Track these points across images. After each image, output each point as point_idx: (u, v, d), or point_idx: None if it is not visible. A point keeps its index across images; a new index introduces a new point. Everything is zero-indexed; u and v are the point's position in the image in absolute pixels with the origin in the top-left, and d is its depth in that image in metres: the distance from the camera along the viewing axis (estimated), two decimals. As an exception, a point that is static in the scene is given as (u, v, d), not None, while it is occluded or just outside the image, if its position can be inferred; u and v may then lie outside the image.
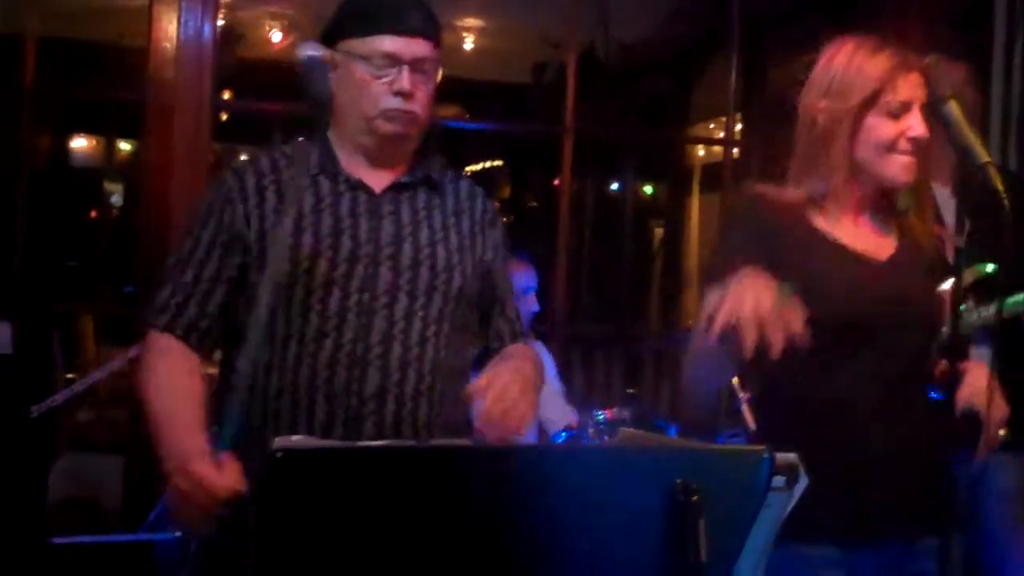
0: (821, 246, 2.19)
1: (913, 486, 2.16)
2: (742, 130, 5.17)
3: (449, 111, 8.47)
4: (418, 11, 2.10)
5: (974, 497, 3.11)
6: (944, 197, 3.01)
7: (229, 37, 6.78)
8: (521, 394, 1.90)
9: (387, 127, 2.08)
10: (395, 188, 2.14)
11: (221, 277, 2.10)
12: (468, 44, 7.47)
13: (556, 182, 5.90)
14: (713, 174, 6.38)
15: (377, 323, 2.04)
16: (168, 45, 4.06)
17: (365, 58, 2.06)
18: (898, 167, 2.16)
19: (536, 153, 8.43)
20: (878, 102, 2.14)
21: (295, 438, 1.75)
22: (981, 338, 3.10)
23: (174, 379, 2.05)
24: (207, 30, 4.06)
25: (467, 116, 8.44)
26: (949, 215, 2.92)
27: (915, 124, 2.14)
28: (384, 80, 2.06)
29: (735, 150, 4.84)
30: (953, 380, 2.11)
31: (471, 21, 7.19)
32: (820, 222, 2.21)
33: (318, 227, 2.06)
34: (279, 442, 1.51)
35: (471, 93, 8.30)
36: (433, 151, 2.22)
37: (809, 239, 2.19)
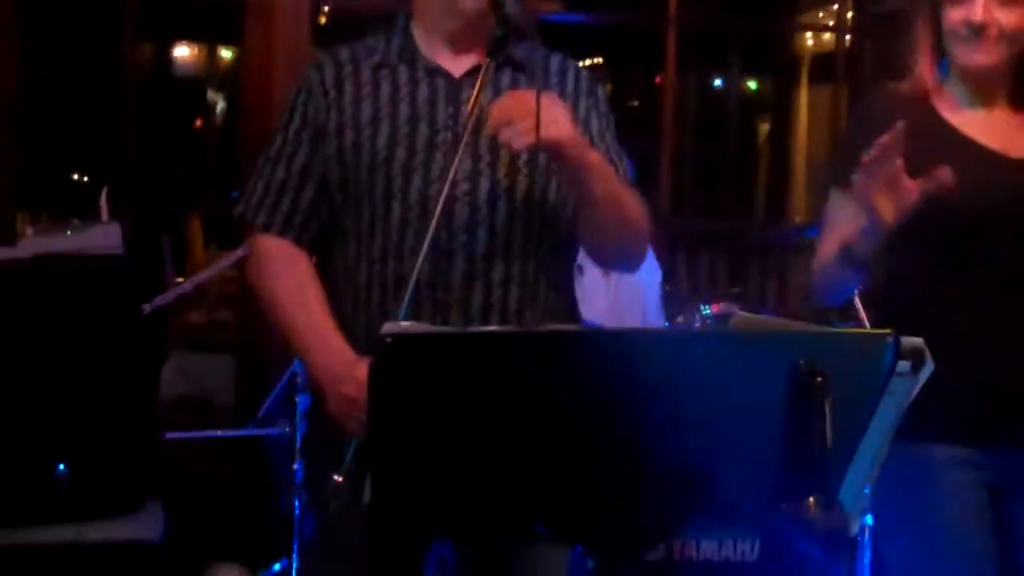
0: (949, 140, 2.14)
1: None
2: (854, 16, 4.98)
3: (549, 5, 8.34)
4: None
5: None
6: None
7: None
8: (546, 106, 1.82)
9: (468, 3, 2.00)
10: (476, 71, 2.04)
11: (311, 172, 2.08)
12: (567, -63, 7.31)
13: (658, 80, 5.77)
14: (823, 64, 6.18)
15: (459, 210, 1.99)
16: (267, -52, 4.03)
17: None
18: (962, 53, 2.12)
19: (636, 50, 8.26)
20: None
21: (404, 323, 1.74)
22: None
23: (299, 286, 2.06)
24: (306, -70, 4.01)
25: (566, 9, 8.31)
26: None
27: (975, 7, 2.07)
28: None
29: (847, 37, 4.66)
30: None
31: (570, -87, 7.03)
32: (949, 113, 2.15)
33: (395, 116, 2.03)
34: (388, 327, 1.50)
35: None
36: (519, 35, 2.12)
37: (937, 133, 2.14)
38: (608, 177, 1.98)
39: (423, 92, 2.05)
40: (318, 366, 2.01)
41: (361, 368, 1.84)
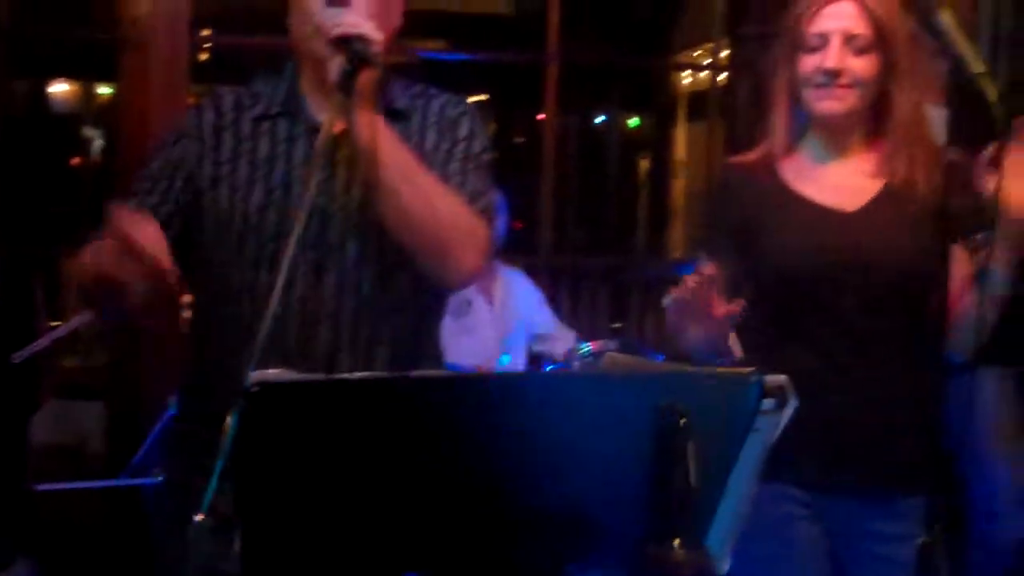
0: (785, 201, 2.20)
1: (888, 440, 2.15)
2: (729, 56, 5.10)
3: (431, 45, 8.38)
4: None
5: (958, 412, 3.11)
6: (938, 117, 2.97)
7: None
8: None
9: (322, 43, 1.86)
10: None
11: (158, 211, 1.97)
12: (449, -24, 7.37)
13: (540, 116, 5.83)
14: (700, 103, 6.31)
15: (328, 277, 1.95)
16: (143, -18, 3.97)
17: None
18: (816, 100, 2.16)
19: (520, 88, 8.35)
20: (804, 35, 2.15)
21: (272, 371, 1.71)
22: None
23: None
24: (183, -35, 3.97)
25: (450, 49, 8.36)
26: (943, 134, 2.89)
27: (829, 55, 2.12)
28: None
29: (722, 76, 4.77)
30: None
31: (452, -48, 7.09)
32: (792, 175, 2.20)
33: (270, 177, 1.97)
34: (256, 376, 1.47)
35: (455, 26, 8.21)
36: (402, 78, 2.08)
37: (776, 196, 2.20)
38: (406, 161, 1.90)
39: (300, 151, 1.99)
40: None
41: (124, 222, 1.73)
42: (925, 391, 2.13)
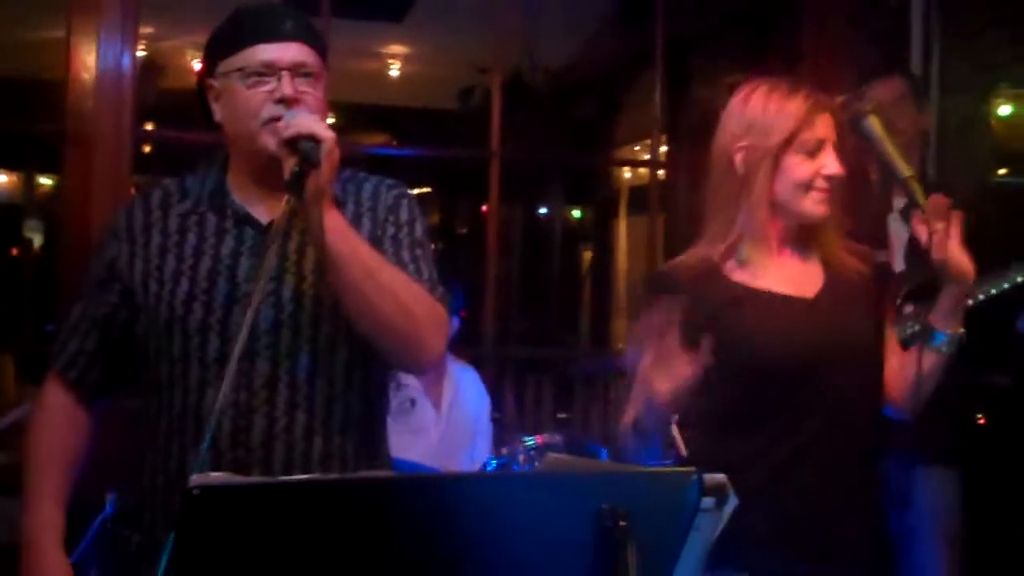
0: (744, 296, 2.23)
1: (840, 526, 2.17)
2: (668, 151, 5.20)
3: (376, 139, 8.46)
4: (292, 17, 1.98)
5: (902, 512, 3.15)
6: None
7: (150, 68, 6.71)
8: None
9: (272, 139, 1.90)
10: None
11: (97, 315, 2.07)
12: (394, 71, 7.47)
13: (484, 208, 5.89)
14: (640, 196, 6.42)
15: (259, 366, 1.95)
16: (87, 76, 3.98)
17: (240, 71, 1.94)
18: (813, 203, 2.21)
19: (464, 180, 8.44)
20: (796, 141, 2.19)
21: (213, 474, 1.70)
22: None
23: (47, 441, 2.10)
24: (127, 61, 3.98)
25: (394, 143, 8.44)
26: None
27: (830, 162, 2.19)
28: (264, 90, 1.93)
29: (661, 172, 4.86)
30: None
31: (396, 48, 7.19)
32: (738, 274, 2.24)
33: (196, 271, 1.99)
34: (196, 479, 1.47)
35: (398, 120, 8.30)
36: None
37: (732, 295, 2.22)
38: (367, 255, 1.91)
39: (228, 244, 2.00)
40: (24, 527, 2.06)
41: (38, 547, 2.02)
42: (873, 475, 2.18)
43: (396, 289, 1.91)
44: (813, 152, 2.19)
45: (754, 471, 2.11)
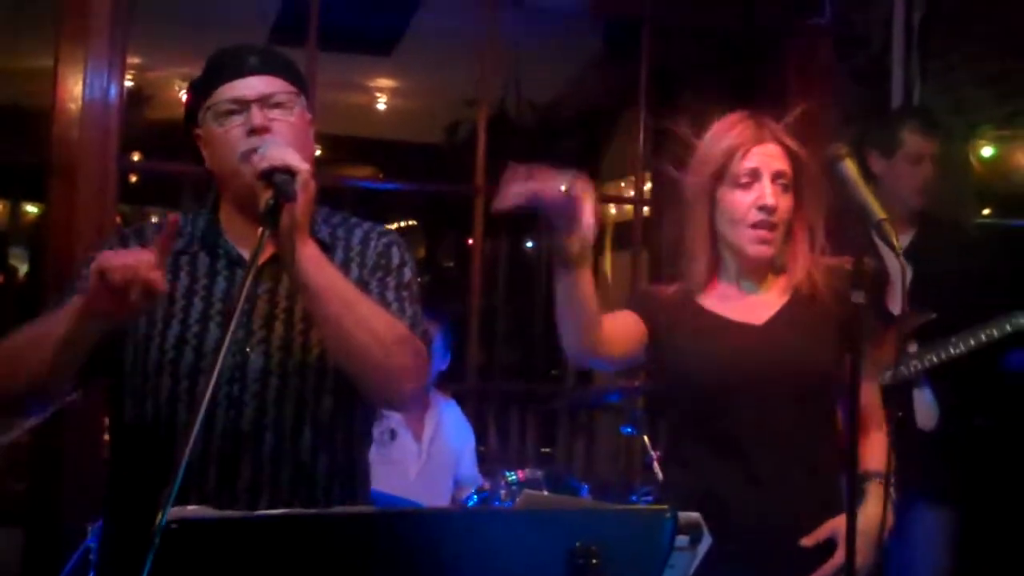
0: (702, 322, 2.25)
1: (796, 547, 2.17)
2: (652, 188, 5.23)
3: (362, 172, 8.48)
4: (256, 53, 2.01)
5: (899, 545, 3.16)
6: None
7: (137, 98, 6.73)
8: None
9: (249, 171, 1.89)
10: (276, 259, 1.97)
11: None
12: (381, 105, 7.50)
13: (470, 241, 5.90)
14: (624, 232, 6.44)
15: (247, 414, 1.94)
16: (73, 106, 3.98)
17: (212, 110, 1.97)
18: (751, 239, 2.21)
19: (450, 213, 8.45)
20: (728, 173, 2.19)
21: (191, 508, 1.70)
22: (924, 382, 3.21)
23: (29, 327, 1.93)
24: (113, 91, 3.99)
25: (381, 176, 8.47)
26: None
27: (764, 194, 2.17)
28: (237, 126, 1.95)
29: (645, 208, 4.88)
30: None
31: (384, 82, 7.23)
32: (705, 299, 2.26)
33: (187, 314, 1.98)
34: (174, 513, 1.47)
35: (384, 153, 8.32)
36: (324, 206, 2.08)
37: (694, 318, 2.26)
38: (344, 288, 1.91)
39: (220, 286, 2.00)
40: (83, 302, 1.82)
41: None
42: (829, 494, 2.17)
43: (374, 323, 1.90)
44: (746, 183, 2.17)
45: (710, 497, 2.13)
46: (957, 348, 3.14)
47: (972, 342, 3.13)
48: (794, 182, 2.22)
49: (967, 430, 3.40)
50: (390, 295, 2.03)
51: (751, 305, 2.27)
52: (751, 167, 2.18)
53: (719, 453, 2.20)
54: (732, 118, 2.24)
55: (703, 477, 2.20)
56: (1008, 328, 3.11)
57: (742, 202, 2.18)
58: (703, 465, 2.22)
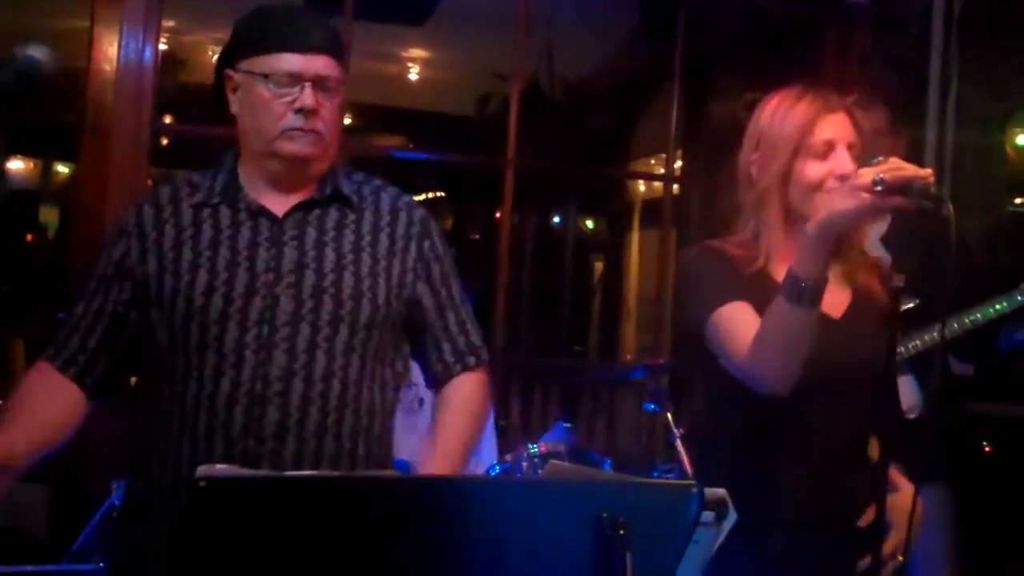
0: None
1: (837, 546, 2.17)
2: (682, 166, 5.21)
3: (392, 141, 8.49)
4: (319, 28, 2.02)
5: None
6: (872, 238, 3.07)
7: (171, 61, 6.75)
8: None
9: (289, 147, 1.99)
10: (302, 208, 2.05)
11: (103, 312, 2.07)
12: (413, 75, 7.50)
13: (498, 214, 5.90)
14: (654, 210, 6.42)
15: (276, 358, 1.96)
16: (108, 68, 4.00)
17: (265, 76, 1.98)
18: (830, 204, 2.11)
19: (479, 185, 8.45)
20: (803, 147, 2.15)
21: (218, 467, 1.72)
22: (907, 368, 3.19)
23: (29, 392, 2.05)
24: (148, 53, 4.01)
25: (411, 146, 8.47)
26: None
27: (842, 161, 2.15)
28: (285, 99, 1.98)
29: (675, 186, 4.86)
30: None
31: (416, 52, 7.22)
32: (778, 275, 2.20)
33: (214, 261, 2.00)
34: (202, 471, 1.49)
35: (415, 123, 8.33)
36: (348, 169, 2.14)
37: (770, 291, 2.12)
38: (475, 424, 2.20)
39: (245, 235, 2.02)
40: None
41: None
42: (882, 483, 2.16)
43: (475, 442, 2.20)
44: (823, 155, 2.14)
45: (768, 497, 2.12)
46: (962, 322, 3.10)
47: (967, 323, 3.09)
48: (860, 155, 2.19)
49: (954, 415, 3.38)
50: (452, 287, 2.16)
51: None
52: (826, 138, 2.15)
53: (782, 448, 2.18)
54: (791, 92, 2.20)
55: (762, 468, 2.18)
56: (998, 307, 3.07)
57: (819, 173, 2.15)
58: (762, 459, 2.19)
